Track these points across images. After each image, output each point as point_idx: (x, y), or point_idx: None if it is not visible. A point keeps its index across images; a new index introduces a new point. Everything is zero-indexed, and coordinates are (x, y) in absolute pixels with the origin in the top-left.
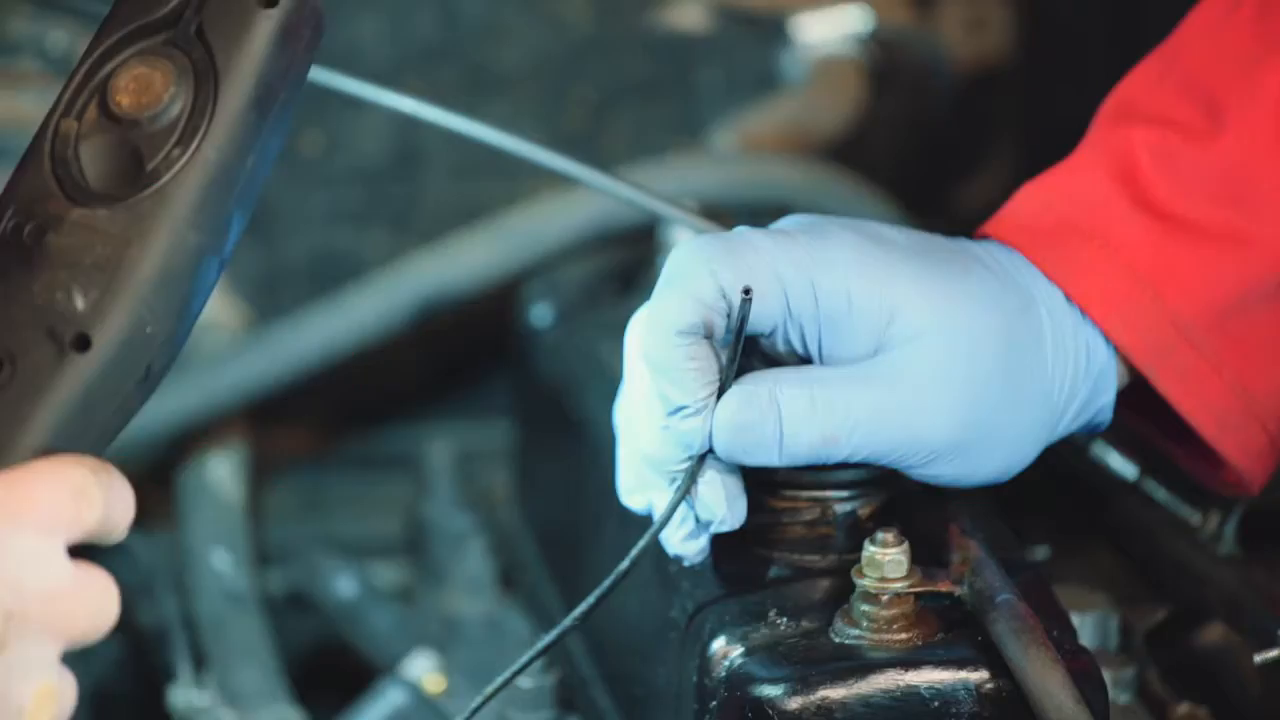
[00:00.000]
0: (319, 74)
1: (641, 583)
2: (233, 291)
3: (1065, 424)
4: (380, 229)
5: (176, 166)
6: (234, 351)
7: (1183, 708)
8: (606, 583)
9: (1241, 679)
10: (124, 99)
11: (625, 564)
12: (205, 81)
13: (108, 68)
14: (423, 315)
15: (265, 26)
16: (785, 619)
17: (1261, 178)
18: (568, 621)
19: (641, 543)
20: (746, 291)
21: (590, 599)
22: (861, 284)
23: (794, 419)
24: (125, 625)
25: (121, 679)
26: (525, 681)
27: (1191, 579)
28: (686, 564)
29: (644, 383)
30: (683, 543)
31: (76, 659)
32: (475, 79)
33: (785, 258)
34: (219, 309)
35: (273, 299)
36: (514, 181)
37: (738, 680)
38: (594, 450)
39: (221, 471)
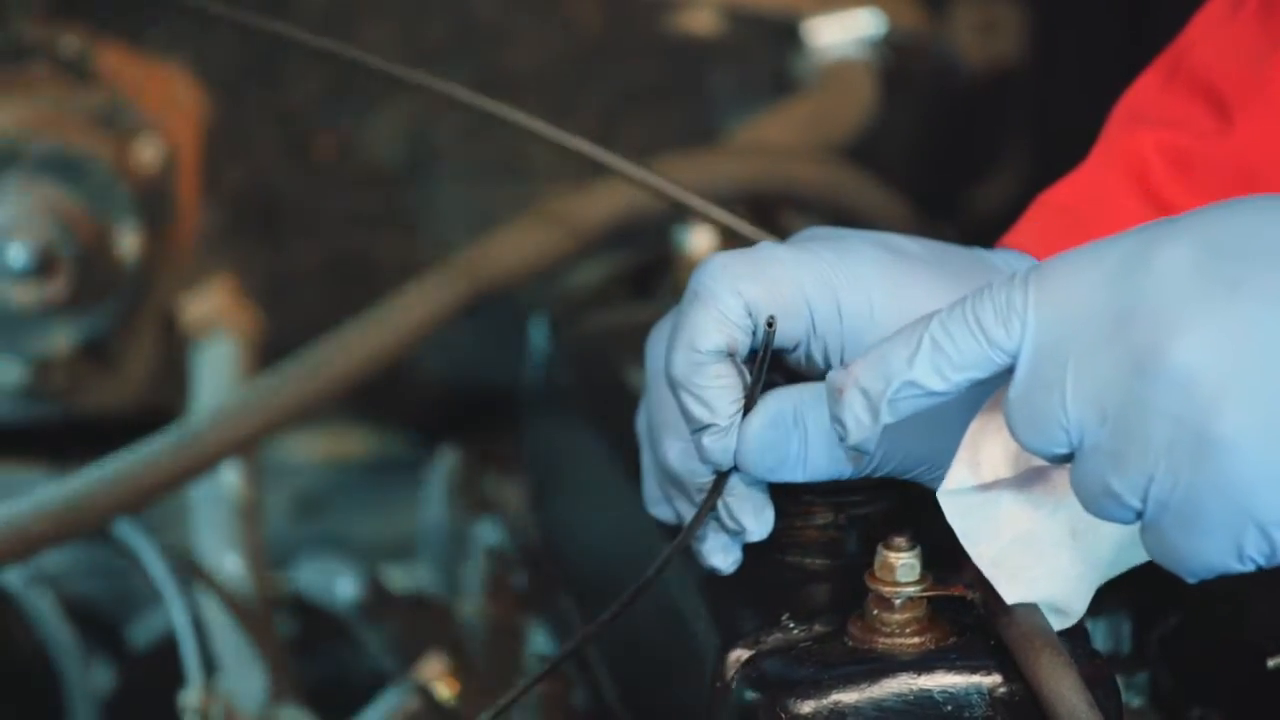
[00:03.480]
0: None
1: (654, 588)
2: (245, 294)
3: None
4: (393, 232)
5: None
6: (285, 372)
7: (1196, 711)
8: (629, 593)
9: (1255, 683)
10: None
11: (650, 573)
12: None
13: None
14: (469, 309)
15: None
16: (797, 623)
17: (1273, 172)
18: (590, 629)
19: (666, 553)
20: (770, 322)
21: (613, 608)
22: (884, 299)
23: (818, 437)
24: (134, 630)
25: (131, 684)
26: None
27: (1205, 583)
28: (721, 574)
29: (667, 398)
30: (717, 555)
31: (88, 664)
32: (486, 82)
33: (810, 274)
34: (231, 312)
35: (284, 302)
36: (529, 184)
37: (750, 684)
38: (609, 456)
39: (231, 475)
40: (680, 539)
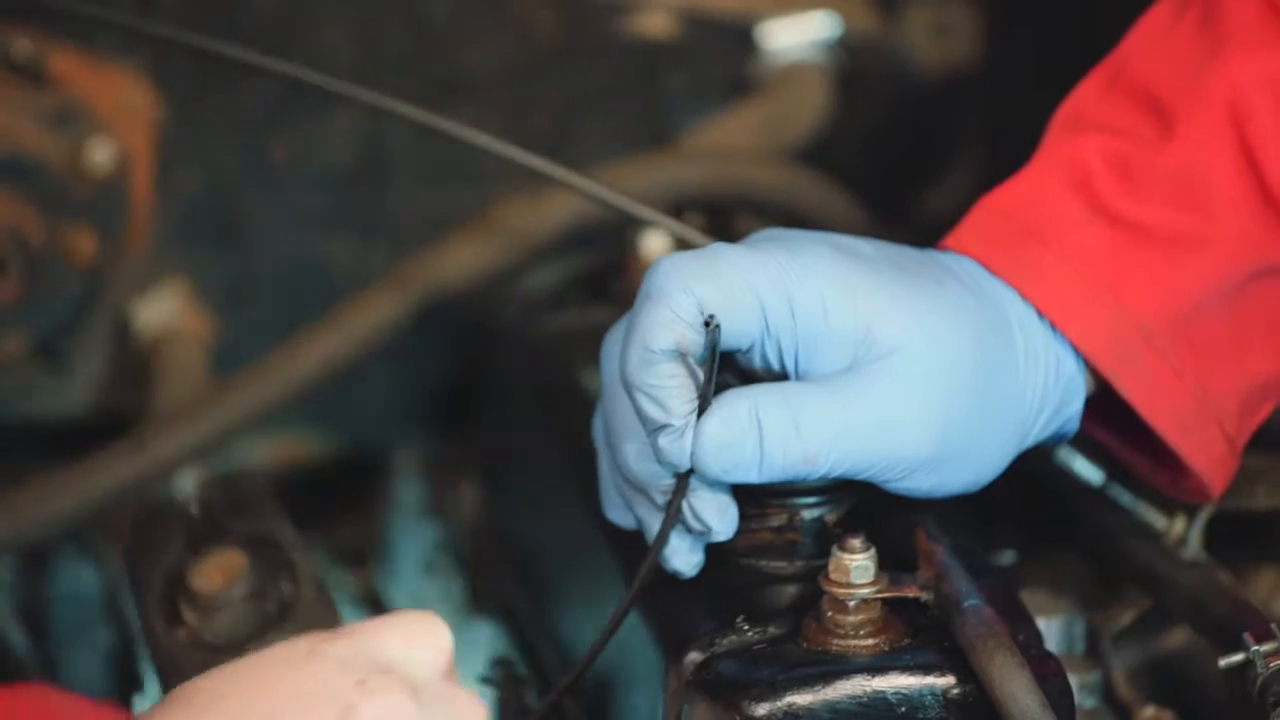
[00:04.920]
0: (291, 68)
1: (609, 589)
2: (199, 298)
3: (1035, 433)
4: (348, 235)
5: None
6: (237, 381)
7: (1148, 711)
8: (612, 620)
9: (1207, 683)
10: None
11: (631, 592)
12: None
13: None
14: (420, 318)
15: None
16: (752, 625)
17: (1212, 179)
18: (580, 665)
19: (643, 568)
20: (709, 321)
21: (599, 642)
22: (838, 299)
23: (774, 438)
24: (93, 637)
25: (92, 690)
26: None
27: (1157, 583)
28: (682, 577)
29: (623, 400)
30: (679, 557)
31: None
32: (442, 85)
33: (762, 275)
34: (185, 317)
35: (239, 306)
36: (483, 188)
37: (705, 687)
38: (566, 460)
39: (186, 482)
40: (653, 552)
